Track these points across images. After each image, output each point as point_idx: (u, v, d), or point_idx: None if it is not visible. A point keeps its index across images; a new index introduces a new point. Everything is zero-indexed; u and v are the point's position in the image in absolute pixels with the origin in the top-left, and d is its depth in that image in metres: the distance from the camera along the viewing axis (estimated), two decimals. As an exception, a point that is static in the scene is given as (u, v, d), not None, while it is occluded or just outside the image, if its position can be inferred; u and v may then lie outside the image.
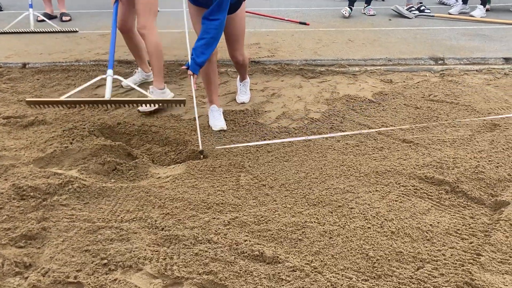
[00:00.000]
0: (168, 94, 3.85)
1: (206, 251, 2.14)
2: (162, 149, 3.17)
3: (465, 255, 2.12)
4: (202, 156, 3.05)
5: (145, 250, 2.15)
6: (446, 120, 3.51)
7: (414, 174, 2.77)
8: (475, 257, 2.11)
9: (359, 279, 1.99)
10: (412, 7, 7.05)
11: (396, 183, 2.70)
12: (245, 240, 2.22)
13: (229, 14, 3.22)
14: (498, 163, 2.88)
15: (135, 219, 2.39)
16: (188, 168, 2.89)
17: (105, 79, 3.32)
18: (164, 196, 2.59)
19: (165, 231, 2.29)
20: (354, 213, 2.43)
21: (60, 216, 2.41)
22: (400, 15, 6.93)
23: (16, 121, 3.47)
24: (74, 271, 2.03)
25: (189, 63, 3.07)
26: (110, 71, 3.35)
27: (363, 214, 2.42)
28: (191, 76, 3.08)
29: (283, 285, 1.96)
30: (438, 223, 2.35)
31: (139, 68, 4.28)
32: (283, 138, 3.28)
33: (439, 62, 4.84)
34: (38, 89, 4.18)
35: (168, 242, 2.22)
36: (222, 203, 2.53)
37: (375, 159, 2.98)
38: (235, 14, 3.32)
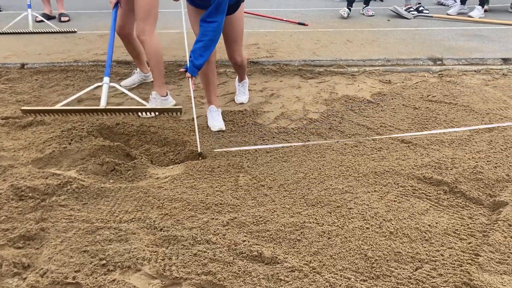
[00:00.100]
0: (170, 102, 3.80)
1: (204, 252, 2.14)
2: (160, 149, 3.17)
3: (464, 255, 2.13)
4: (200, 157, 3.05)
5: (143, 250, 2.15)
6: (444, 121, 3.51)
7: (412, 174, 2.78)
8: (474, 257, 2.11)
9: (357, 279, 2.00)
10: (411, 7, 7.06)
11: (394, 183, 2.70)
12: (244, 241, 2.22)
13: (228, 15, 3.22)
14: (496, 163, 2.89)
15: (133, 220, 2.39)
16: (187, 168, 2.89)
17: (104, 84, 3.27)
18: (162, 197, 2.59)
19: (163, 231, 2.29)
20: (352, 214, 2.43)
21: (58, 216, 2.40)
22: (399, 16, 6.94)
23: (15, 121, 3.46)
24: (73, 272, 2.03)
25: (188, 65, 3.06)
26: (106, 79, 3.28)
27: (362, 215, 2.42)
28: (190, 79, 3.08)
29: (281, 286, 1.96)
30: (436, 223, 2.35)
31: (137, 69, 4.27)
32: (282, 139, 3.29)
33: (437, 62, 4.85)
34: (36, 89, 4.18)
35: (166, 242, 2.22)
36: (220, 204, 2.53)
37: (373, 160, 2.98)
38: (234, 15, 3.32)
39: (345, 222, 2.37)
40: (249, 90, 4.09)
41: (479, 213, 2.44)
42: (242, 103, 3.92)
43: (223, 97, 4.06)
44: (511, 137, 3.22)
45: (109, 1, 3.62)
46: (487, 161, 2.91)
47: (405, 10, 7.00)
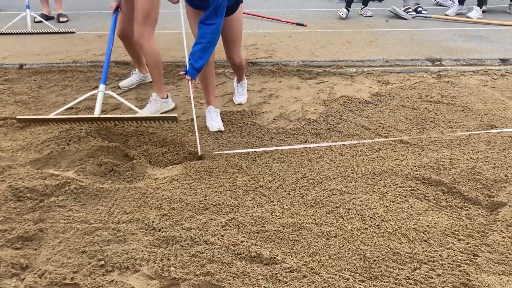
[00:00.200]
0: (170, 104, 3.79)
1: (203, 252, 2.14)
2: (159, 150, 3.17)
3: (462, 256, 2.13)
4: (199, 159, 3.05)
5: (142, 251, 2.15)
6: (442, 121, 3.52)
7: (411, 175, 2.78)
8: (472, 258, 2.11)
9: (356, 280, 2.00)
10: (409, 8, 7.07)
11: (393, 184, 2.71)
12: (242, 241, 2.22)
13: (227, 16, 3.22)
14: (494, 164, 2.89)
15: (132, 220, 2.39)
16: (185, 169, 2.89)
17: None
18: (161, 197, 2.59)
19: (162, 232, 2.29)
20: (351, 214, 2.43)
21: (57, 217, 2.40)
22: (397, 16, 6.94)
23: (13, 122, 3.46)
24: (71, 273, 2.03)
25: (187, 68, 3.06)
26: (102, 86, 3.24)
27: (360, 215, 2.42)
28: (189, 81, 3.07)
29: (280, 286, 1.96)
30: (435, 223, 2.35)
31: (136, 70, 4.27)
32: (281, 139, 3.28)
33: (436, 63, 4.85)
34: (35, 90, 4.17)
35: (165, 243, 2.22)
36: (219, 204, 2.53)
37: (372, 160, 2.99)
38: (233, 16, 3.32)
39: (343, 222, 2.37)
40: (247, 90, 4.09)
41: (478, 214, 2.44)
42: (240, 104, 3.92)
43: (221, 98, 4.06)
44: (510, 137, 3.23)
45: (109, 6, 3.60)
46: (486, 161, 2.92)
47: (404, 10, 7.00)
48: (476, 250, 2.16)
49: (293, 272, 2.02)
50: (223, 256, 2.12)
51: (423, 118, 3.59)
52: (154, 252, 2.15)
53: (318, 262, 2.10)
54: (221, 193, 2.64)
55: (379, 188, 2.67)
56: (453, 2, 7.59)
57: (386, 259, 2.11)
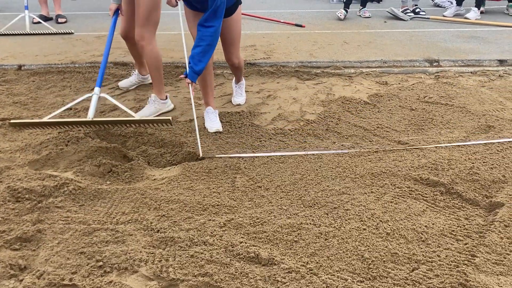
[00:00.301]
0: (169, 105, 3.78)
1: (201, 253, 2.14)
2: (157, 151, 3.17)
3: (460, 256, 2.13)
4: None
5: (140, 252, 2.15)
6: (440, 122, 3.52)
7: (409, 175, 2.78)
8: (470, 258, 2.12)
9: (354, 280, 2.00)
10: (407, 9, 7.08)
11: (391, 184, 2.71)
12: (241, 242, 2.22)
13: (225, 17, 3.22)
14: (492, 164, 2.90)
15: (130, 221, 2.39)
16: (184, 170, 2.89)
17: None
18: (159, 198, 2.59)
19: (160, 233, 2.29)
20: (349, 215, 2.44)
21: (55, 218, 2.40)
22: (395, 17, 6.96)
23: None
24: (70, 274, 2.03)
25: (187, 71, 3.06)
26: (97, 89, 3.20)
27: (359, 216, 2.43)
28: (190, 84, 3.07)
29: (278, 287, 1.96)
30: (433, 224, 2.36)
31: (136, 71, 4.26)
32: (279, 140, 3.29)
33: (434, 64, 4.86)
34: (33, 91, 4.17)
35: (163, 244, 2.22)
36: (217, 205, 2.53)
37: (370, 161, 2.99)
38: (231, 17, 3.32)
39: (342, 223, 2.37)
40: (246, 91, 4.10)
41: (476, 214, 2.45)
42: (239, 104, 3.92)
43: (220, 99, 4.06)
44: (507, 138, 3.24)
45: (109, 8, 3.59)
46: (483, 162, 2.92)
47: (402, 11, 7.02)
48: (474, 250, 2.17)
49: (291, 273, 2.03)
50: (222, 257, 2.12)
51: (421, 119, 3.60)
52: (152, 253, 2.15)
53: (317, 262, 2.10)
54: (220, 194, 2.64)
55: (377, 189, 2.67)
56: (451, 3, 7.61)
57: (384, 259, 2.11)
